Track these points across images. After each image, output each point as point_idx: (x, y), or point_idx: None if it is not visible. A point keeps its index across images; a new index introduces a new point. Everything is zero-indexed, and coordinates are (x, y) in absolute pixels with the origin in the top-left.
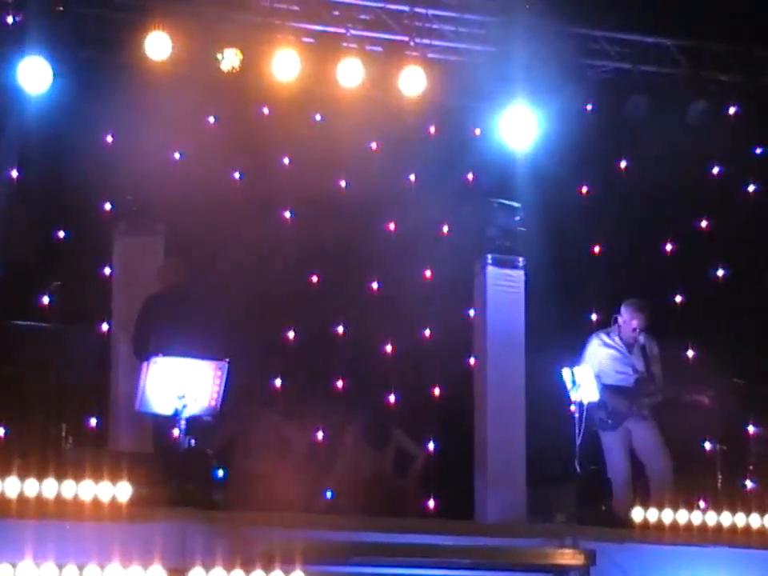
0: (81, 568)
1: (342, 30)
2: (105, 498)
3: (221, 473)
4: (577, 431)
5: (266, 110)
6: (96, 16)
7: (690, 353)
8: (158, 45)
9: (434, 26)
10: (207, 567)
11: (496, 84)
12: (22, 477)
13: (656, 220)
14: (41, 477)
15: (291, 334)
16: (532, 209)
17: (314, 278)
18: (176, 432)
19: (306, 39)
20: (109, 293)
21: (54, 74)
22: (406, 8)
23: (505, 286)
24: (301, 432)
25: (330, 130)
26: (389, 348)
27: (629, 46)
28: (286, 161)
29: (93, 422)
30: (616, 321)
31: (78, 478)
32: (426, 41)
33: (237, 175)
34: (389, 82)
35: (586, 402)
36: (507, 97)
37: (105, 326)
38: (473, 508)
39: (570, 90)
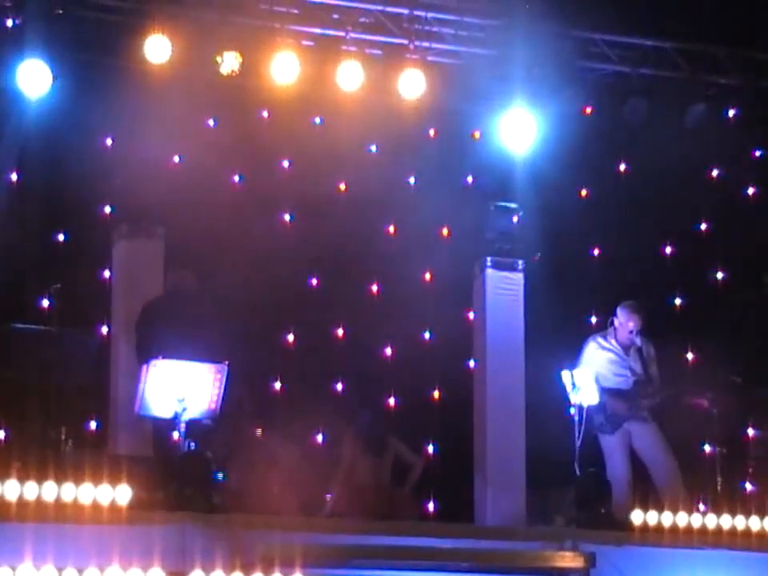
0: (80, 571)
1: (342, 33)
2: (104, 501)
3: (220, 476)
4: (576, 434)
5: (265, 113)
6: (95, 19)
7: (690, 355)
8: (157, 48)
9: (434, 29)
10: (207, 570)
11: (495, 87)
12: (22, 480)
13: (655, 223)
14: (40, 480)
15: (291, 337)
16: (531, 211)
17: (314, 281)
18: (176, 435)
19: (305, 42)
20: (108, 295)
21: (54, 77)
22: (405, 11)
23: (504, 289)
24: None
25: (330, 132)
26: (388, 351)
27: (628, 49)
28: (286, 164)
29: (92, 424)
30: (612, 323)
31: (77, 480)
32: (426, 44)
33: (236, 178)
34: (388, 84)
35: (585, 405)
36: (507, 100)
37: (104, 329)
38: (472, 511)
39: (569, 93)
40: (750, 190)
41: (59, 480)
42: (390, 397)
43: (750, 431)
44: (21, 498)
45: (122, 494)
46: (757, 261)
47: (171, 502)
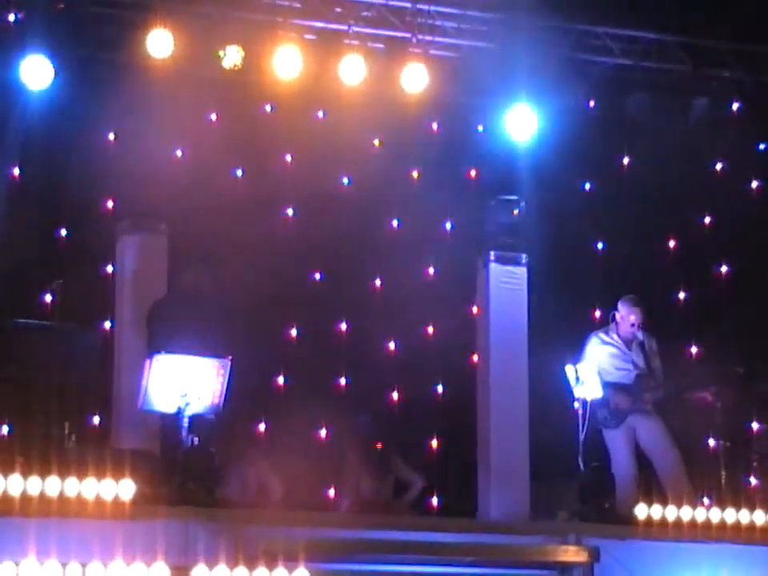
0: (84, 566)
1: (344, 27)
2: (108, 496)
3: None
4: (580, 428)
5: (268, 108)
6: (97, 14)
7: (693, 349)
8: (159, 42)
9: (437, 23)
10: (210, 565)
11: (498, 80)
12: (25, 475)
13: (659, 217)
14: (44, 475)
15: (294, 332)
16: (534, 206)
17: (316, 276)
18: (180, 430)
19: (307, 36)
20: (111, 291)
21: (56, 72)
22: (408, 5)
23: (507, 283)
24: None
25: (332, 127)
26: (391, 346)
27: (631, 42)
28: (288, 158)
29: (96, 419)
30: (614, 318)
31: (80, 475)
32: (429, 37)
33: (239, 173)
34: (391, 78)
35: (589, 400)
36: (509, 93)
37: (107, 324)
38: (476, 505)
39: (571, 87)
40: (754, 184)
41: (62, 475)
42: (392, 392)
43: (755, 425)
44: (24, 493)
45: (125, 488)
46: (761, 255)
47: (174, 497)
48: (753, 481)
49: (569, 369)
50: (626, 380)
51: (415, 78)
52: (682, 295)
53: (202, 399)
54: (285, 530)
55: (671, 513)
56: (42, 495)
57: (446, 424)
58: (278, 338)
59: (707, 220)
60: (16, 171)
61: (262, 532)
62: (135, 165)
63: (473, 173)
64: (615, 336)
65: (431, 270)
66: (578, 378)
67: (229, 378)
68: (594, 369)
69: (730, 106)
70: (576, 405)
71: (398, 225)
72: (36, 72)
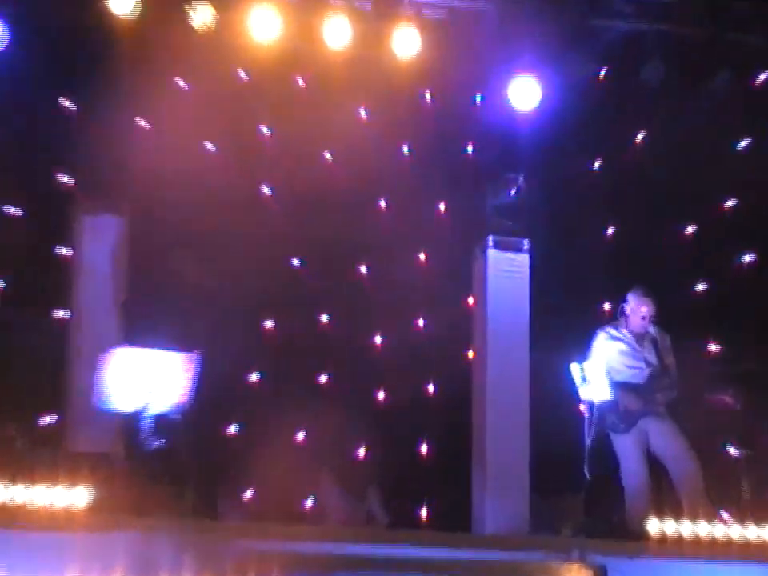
0: None
1: None
2: (61, 504)
3: None
4: (586, 433)
5: (242, 74)
6: None
7: (712, 346)
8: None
9: None
10: None
11: (498, 46)
12: None
13: (675, 200)
14: None
15: (272, 325)
16: (538, 186)
17: (295, 261)
18: (142, 431)
19: None
20: (67, 276)
21: (11, 35)
22: None
23: (507, 272)
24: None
25: (314, 95)
26: (378, 340)
27: (645, 3)
28: (265, 130)
29: (47, 419)
30: (623, 312)
31: (30, 482)
32: None
33: (210, 146)
34: (379, 42)
35: (597, 401)
36: (510, 60)
37: (62, 313)
38: (470, 518)
39: (579, 54)
40: None
41: (10, 481)
42: (379, 392)
43: None
44: None
45: (80, 496)
46: None
47: (136, 505)
48: None
49: (574, 367)
50: (637, 379)
51: (406, 43)
52: (700, 287)
53: (166, 397)
54: (259, 543)
55: (687, 528)
56: None
57: (437, 427)
58: (255, 332)
59: (729, 203)
60: None
61: (233, 545)
62: (95, 137)
63: (470, 148)
64: (625, 331)
65: (423, 257)
66: (584, 378)
67: (198, 375)
68: (601, 367)
69: (756, 76)
70: (582, 407)
71: (387, 205)
72: None
